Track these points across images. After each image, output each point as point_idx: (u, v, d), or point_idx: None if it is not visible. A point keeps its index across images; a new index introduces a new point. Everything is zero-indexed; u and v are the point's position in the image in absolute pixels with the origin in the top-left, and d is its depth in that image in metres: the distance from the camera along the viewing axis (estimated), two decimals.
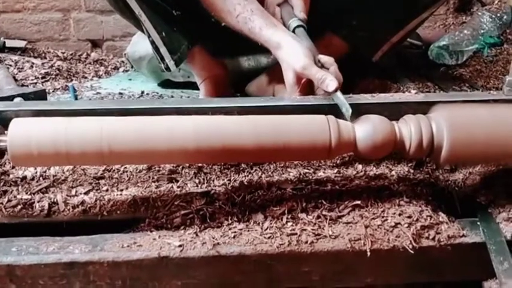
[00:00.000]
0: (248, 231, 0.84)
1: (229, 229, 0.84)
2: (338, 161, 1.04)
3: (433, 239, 0.84)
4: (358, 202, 0.89)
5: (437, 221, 0.86)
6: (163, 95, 1.64)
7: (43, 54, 2.17)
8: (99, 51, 2.30)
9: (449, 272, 0.86)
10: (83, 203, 0.92)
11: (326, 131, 0.82)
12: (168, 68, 1.42)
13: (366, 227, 0.84)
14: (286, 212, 0.87)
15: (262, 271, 0.82)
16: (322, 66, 1.06)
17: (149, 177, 0.98)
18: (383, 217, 0.86)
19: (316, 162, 1.03)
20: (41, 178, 0.97)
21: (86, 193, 0.94)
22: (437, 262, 0.85)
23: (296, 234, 0.83)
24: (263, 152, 0.83)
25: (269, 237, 0.82)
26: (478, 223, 0.89)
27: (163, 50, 1.39)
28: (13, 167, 0.98)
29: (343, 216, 0.87)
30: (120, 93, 1.66)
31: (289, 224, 0.85)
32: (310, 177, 0.99)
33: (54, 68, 1.94)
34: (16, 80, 1.72)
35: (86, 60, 2.18)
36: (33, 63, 1.97)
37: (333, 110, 0.91)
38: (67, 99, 1.58)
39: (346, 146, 0.84)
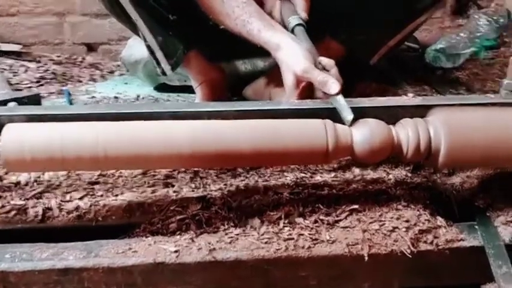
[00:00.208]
0: (245, 236, 0.83)
1: (226, 234, 0.84)
2: (335, 165, 1.03)
3: (431, 243, 0.83)
4: (356, 206, 0.89)
5: (435, 225, 0.86)
6: (159, 99, 1.63)
7: (38, 58, 2.15)
8: (94, 55, 2.29)
9: (448, 277, 0.86)
10: (77, 208, 0.91)
11: (323, 135, 0.82)
12: (164, 73, 1.42)
13: (364, 231, 0.83)
14: (283, 216, 0.86)
15: (259, 276, 0.82)
16: (323, 68, 1.05)
17: (144, 182, 0.97)
18: (381, 221, 0.86)
19: (313, 167, 1.03)
20: (35, 183, 0.96)
21: (81, 198, 0.93)
22: (435, 266, 0.84)
23: (293, 239, 0.82)
24: (260, 157, 0.82)
25: (266, 242, 0.82)
26: (476, 227, 0.89)
27: (159, 54, 1.39)
28: (6, 173, 0.98)
29: (340, 220, 0.86)
30: (116, 97, 1.65)
31: (286, 228, 0.84)
32: (307, 181, 0.99)
33: (49, 72, 1.93)
34: (10, 84, 1.72)
35: (81, 64, 2.17)
36: (27, 67, 1.96)
37: (331, 114, 0.90)
38: (62, 104, 1.57)
39: (344, 150, 0.84)
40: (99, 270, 0.79)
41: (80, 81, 1.91)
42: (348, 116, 0.87)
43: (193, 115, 0.91)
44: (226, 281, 0.82)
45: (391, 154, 0.86)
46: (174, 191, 0.95)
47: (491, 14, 2.07)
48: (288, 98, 1.11)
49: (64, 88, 1.73)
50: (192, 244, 0.81)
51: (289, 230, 0.84)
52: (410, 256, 0.81)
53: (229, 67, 1.60)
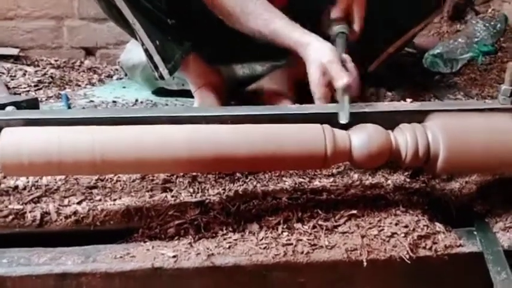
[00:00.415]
0: (243, 241, 0.83)
1: (224, 239, 0.83)
2: (334, 170, 1.03)
3: (430, 248, 0.83)
4: (354, 212, 0.88)
5: (434, 231, 0.86)
6: (158, 103, 1.63)
7: (36, 62, 2.15)
8: (92, 59, 2.29)
9: (447, 282, 0.86)
10: (75, 213, 0.90)
11: (321, 140, 0.82)
12: (162, 77, 1.42)
13: (362, 236, 0.83)
14: (281, 221, 0.86)
15: (257, 282, 0.81)
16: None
17: (143, 186, 0.97)
18: (379, 227, 0.85)
19: (312, 172, 1.03)
20: (33, 188, 0.96)
21: (79, 203, 0.92)
22: (434, 272, 0.84)
23: (292, 244, 0.82)
24: (258, 162, 0.82)
25: (264, 248, 0.81)
26: (475, 233, 0.88)
27: (157, 58, 1.38)
28: (4, 177, 0.97)
29: (339, 226, 0.86)
30: (114, 102, 1.65)
31: (285, 234, 0.84)
32: (306, 186, 0.98)
33: (47, 76, 1.93)
34: (8, 88, 1.71)
35: (80, 68, 2.17)
36: (26, 71, 1.96)
37: (330, 119, 0.90)
38: (60, 108, 1.56)
39: (342, 155, 0.84)
40: (97, 275, 0.78)
41: (78, 85, 1.91)
42: (343, 119, 0.91)
43: (191, 119, 0.91)
44: (225, 286, 0.81)
45: (389, 159, 0.85)
46: (173, 196, 0.94)
47: (488, 20, 2.08)
48: (312, 89, 1.12)
49: (62, 92, 1.72)
50: (191, 249, 0.81)
51: (288, 235, 0.83)
52: (409, 262, 0.81)
53: (228, 71, 1.59)
